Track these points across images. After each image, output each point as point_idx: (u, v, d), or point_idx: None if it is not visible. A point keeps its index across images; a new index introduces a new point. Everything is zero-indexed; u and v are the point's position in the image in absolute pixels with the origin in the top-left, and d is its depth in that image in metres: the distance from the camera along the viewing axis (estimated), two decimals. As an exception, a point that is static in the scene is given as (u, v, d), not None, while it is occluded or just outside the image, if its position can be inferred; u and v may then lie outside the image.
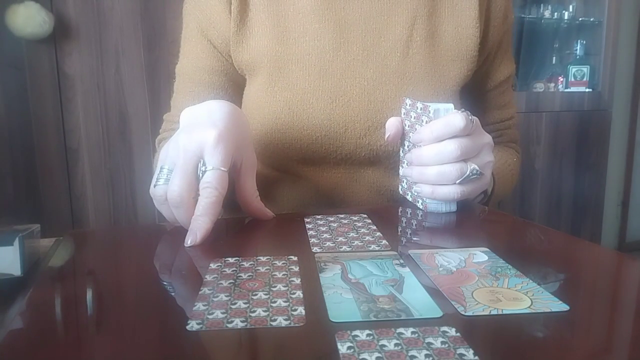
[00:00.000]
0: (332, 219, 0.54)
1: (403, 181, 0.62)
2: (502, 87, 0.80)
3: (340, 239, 0.47)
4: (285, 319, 0.31)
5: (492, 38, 0.75)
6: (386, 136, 0.59)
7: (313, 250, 0.44)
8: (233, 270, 0.39)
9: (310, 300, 0.34)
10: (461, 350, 0.27)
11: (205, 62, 0.74)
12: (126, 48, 1.80)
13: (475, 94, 0.79)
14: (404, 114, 0.60)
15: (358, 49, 0.69)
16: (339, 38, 0.69)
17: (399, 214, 0.60)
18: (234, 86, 0.75)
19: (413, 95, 0.69)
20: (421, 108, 0.56)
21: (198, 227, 0.46)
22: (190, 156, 0.47)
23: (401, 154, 0.62)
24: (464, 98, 0.76)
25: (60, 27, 1.71)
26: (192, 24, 0.74)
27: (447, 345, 0.28)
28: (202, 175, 0.47)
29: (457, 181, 0.54)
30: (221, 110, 0.52)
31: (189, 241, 0.45)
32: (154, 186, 0.49)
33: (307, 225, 0.51)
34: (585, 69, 2.45)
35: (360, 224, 0.52)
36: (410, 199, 0.61)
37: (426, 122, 0.55)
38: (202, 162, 0.48)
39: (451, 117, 0.53)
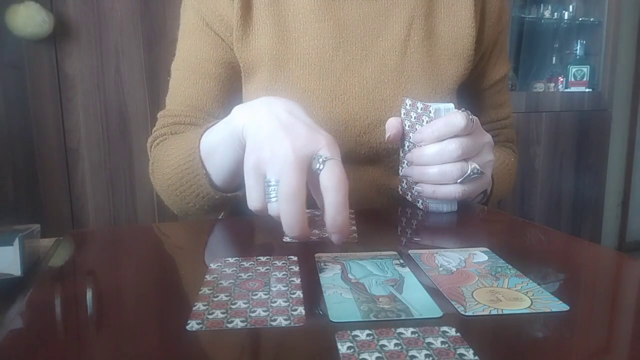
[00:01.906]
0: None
1: (403, 181, 0.62)
2: (498, 86, 0.81)
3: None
4: (285, 319, 0.31)
5: (488, 37, 0.76)
6: (386, 136, 0.59)
7: (313, 250, 0.44)
8: (233, 270, 0.39)
9: (310, 300, 0.34)
10: (461, 350, 0.27)
11: (211, 54, 0.72)
12: (126, 48, 1.79)
13: (471, 92, 0.79)
14: (404, 115, 0.60)
15: (357, 49, 0.70)
16: (338, 38, 0.69)
17: (399, 214, 0.60)
18: (238, 79, 0.74)
19: (411, 93, 0.69)
20: (421, 108, 0.56)
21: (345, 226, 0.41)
22: (304, 153, 0.43)
23: (401, 154, 0.62)
24: (461, 97, 0.76)
25: (60, 27, 1.71)
26: (194, 18, 0.73)
27: (447, 345, 0.28)
28: (321, 166, 0.42)
29: (458, 180, 0.54)
30: (300, 108, 0.48)
31: (336, 240, 0.42)
32: (269, 202, 0.43)
33: (307, 225, 0.51)
34: (585, 69, 2.45)
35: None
36: (410, 199, 0.61)
37: (427, 122, 0.55)
38: (316, 157, 0.43)
39: (452, 116, 0.53)
